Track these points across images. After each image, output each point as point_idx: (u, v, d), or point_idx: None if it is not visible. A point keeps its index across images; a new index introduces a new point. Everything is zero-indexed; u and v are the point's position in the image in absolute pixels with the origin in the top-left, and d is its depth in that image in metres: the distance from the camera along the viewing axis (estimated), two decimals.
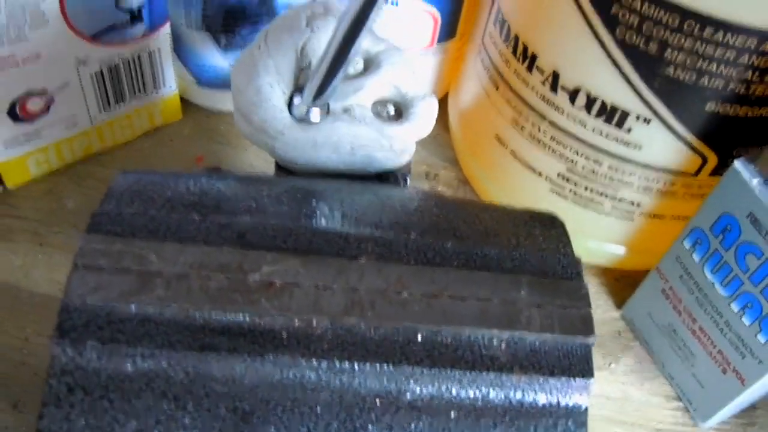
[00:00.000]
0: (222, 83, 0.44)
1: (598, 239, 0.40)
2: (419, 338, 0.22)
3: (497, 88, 0.39)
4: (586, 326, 0.22)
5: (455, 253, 0.24)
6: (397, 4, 0.41)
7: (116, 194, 0.24)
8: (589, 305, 0.23)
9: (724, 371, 0.35)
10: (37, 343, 0.37)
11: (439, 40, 0.44)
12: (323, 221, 0.24)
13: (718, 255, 0.34)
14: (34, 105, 0.38)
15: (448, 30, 0.44)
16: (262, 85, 0.28)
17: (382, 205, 0.25)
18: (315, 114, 0.28)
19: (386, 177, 0.30)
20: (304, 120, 0.29)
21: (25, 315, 0.37)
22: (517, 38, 0.37)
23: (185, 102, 0.46)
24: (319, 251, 0.23)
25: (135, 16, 0.39)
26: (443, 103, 0.49)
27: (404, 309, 0.22)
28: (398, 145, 0.29)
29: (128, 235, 0.23)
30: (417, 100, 0.30)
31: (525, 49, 0.36)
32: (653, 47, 0.31)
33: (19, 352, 0.36)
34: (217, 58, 0.43)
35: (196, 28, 0.41)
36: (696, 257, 0.35)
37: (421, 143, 0.48)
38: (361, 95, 0.29)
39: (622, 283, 0.43)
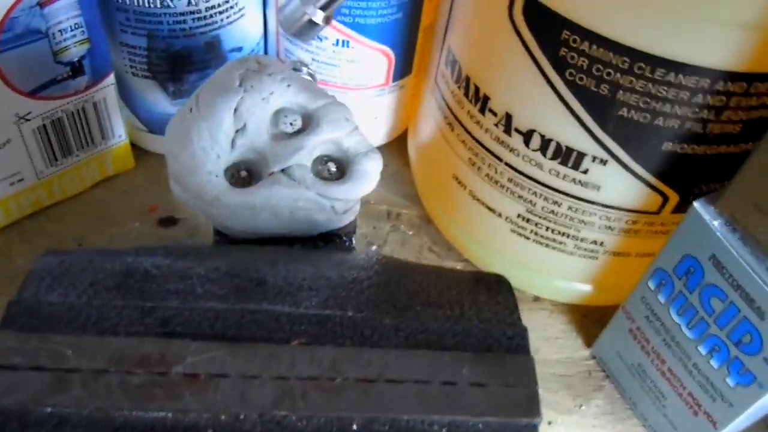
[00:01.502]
0: None
1: (563, 278, 0.39)
2: (354, 428, 0.21)
3: (452, 129, 0.38)
4: (532, 406, 0.21)
5: (394, 329, 0.22)
6: (349, 45, 0.40)
7: (36, 279, 0.23)
8: (535, 382, 0.22)
9: (696, 414, 0.34)
10: None
11: (395, 79, 0.43)
12: (254, 301, 0.23)
13: (682, 297, 0.33)
14: None
15: (404, 68, 0.43)
16: (196, 151, 0.27)
17: (320, 277, 0.24)
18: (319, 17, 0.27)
19: (330, 238, 0.29)
20: (239, 184, 0.27)
21: None
22: (468, 79, 0.36)
23: (138, 149, 0.45)
24: (248, 336, 0.22)
25: (76, 69, 0.37)
26: (403, 138, 0.48)
27: (338, 397, 0.21)
28: (341, 206, 0.28)
29: (45, 328, 0.21)
30: (359, 156, 0.29)
31: (477, 90, 0.35)
32: (604, 89, 0.30)
33: None
34: (166, 106, 0.42)
35: (141, 76, 0.40)
36: (661, 298, 0.34)
37: (382, 181, 0.46)
38: (300, 156, 0.28)
39: (590, 319, 0.42)
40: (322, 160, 0.29)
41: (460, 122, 0.37)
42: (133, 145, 0.44)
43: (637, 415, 0.38)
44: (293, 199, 0.27)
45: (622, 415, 0.39)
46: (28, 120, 0.37)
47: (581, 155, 0.33)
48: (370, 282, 0.24)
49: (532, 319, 0.41)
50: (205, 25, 0.38)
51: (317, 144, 0.28)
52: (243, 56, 0.29)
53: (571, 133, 0.32)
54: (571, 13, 0.29)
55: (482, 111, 0.35)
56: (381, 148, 0.48)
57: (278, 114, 0.28)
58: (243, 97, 0.27)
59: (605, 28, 0.29)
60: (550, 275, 0.39)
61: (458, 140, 0.38)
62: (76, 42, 0.37)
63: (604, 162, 0.33)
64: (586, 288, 0.39)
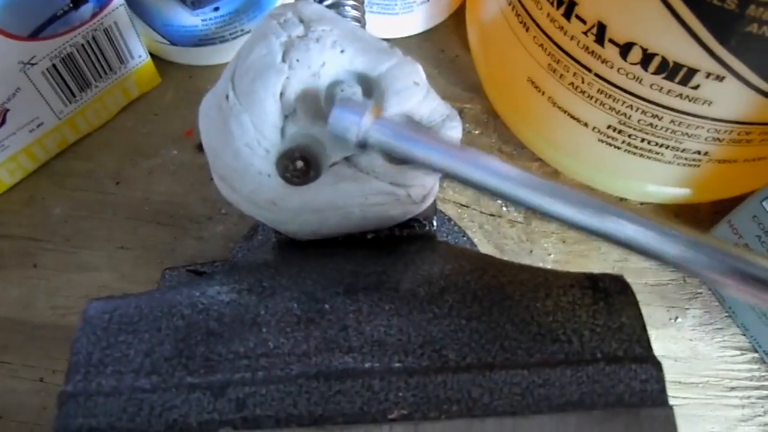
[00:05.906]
0: (199, 41, 0.37)
1: (657, 184, 0.35)
2: None
3: (527, 29, 0.32)
4: None
5: (507, 385, 0.19)
6: None
7: (83, 355, 0.20)
8: None
9: None
10: (53, 382, 0.34)
11: None
12: (338, 358, 0.20)
13: None
14: None
15: None
16: (240, 149, 0.22)
17: (409, 311, 0.20)
18: None
19: (407, 223, 0.25)
20: (296, 177, 0.23)
21: (34, 353, 0.34)
22: None
23: (162, 61, 0.40)
24: (338, 413, 0.19)
25: None
26: (460, 15, 0.41)
27: None
28: (418, 192, 0.24)
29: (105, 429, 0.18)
30: (436, 127, 0.24)
31: None
32: (731, 3, 0.24)
33: (36, 396, 0.34)
34: (186, 18, 0.36)
35: None
36: None
37: (439, 70, 0.41)
38: None
39: (683, 219, 0.38)
40: None
41: (537, 24, 0.31)
42: (155, 58, 0.39)
43: (738, 324, 0.36)
44: (363, 196, 0.23)
45: (719, 324, 0.36)
46: (34, 64, 0.32)
47: (692, 71, 0.27)
48: (470, 312, 0.20)
49: None
50: None
51: None
52: (278, 9, 0.24)
53: (681, 49, 0.27)
54: None
55: (567, 16, 0.29)
56: (434, 29, 0.42)
57: (333, 87, 0.23)
58: (289, 76, 0.22)
59: None
60: (641, 181, 0.35)
61: (535, 43, 0.32)
62: None
63: (720, 78, 0.27)
64: (683, 192, 0.35)
